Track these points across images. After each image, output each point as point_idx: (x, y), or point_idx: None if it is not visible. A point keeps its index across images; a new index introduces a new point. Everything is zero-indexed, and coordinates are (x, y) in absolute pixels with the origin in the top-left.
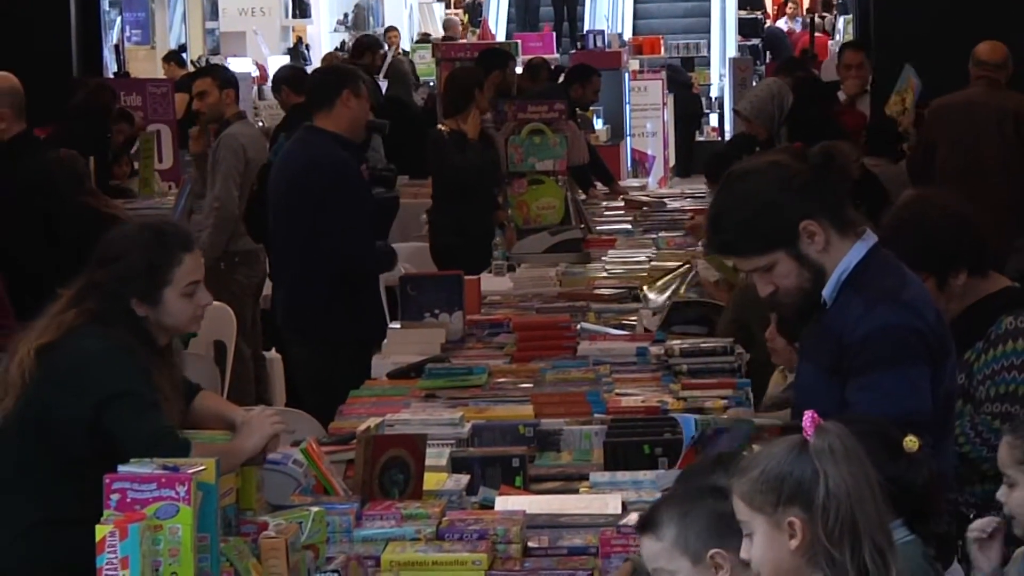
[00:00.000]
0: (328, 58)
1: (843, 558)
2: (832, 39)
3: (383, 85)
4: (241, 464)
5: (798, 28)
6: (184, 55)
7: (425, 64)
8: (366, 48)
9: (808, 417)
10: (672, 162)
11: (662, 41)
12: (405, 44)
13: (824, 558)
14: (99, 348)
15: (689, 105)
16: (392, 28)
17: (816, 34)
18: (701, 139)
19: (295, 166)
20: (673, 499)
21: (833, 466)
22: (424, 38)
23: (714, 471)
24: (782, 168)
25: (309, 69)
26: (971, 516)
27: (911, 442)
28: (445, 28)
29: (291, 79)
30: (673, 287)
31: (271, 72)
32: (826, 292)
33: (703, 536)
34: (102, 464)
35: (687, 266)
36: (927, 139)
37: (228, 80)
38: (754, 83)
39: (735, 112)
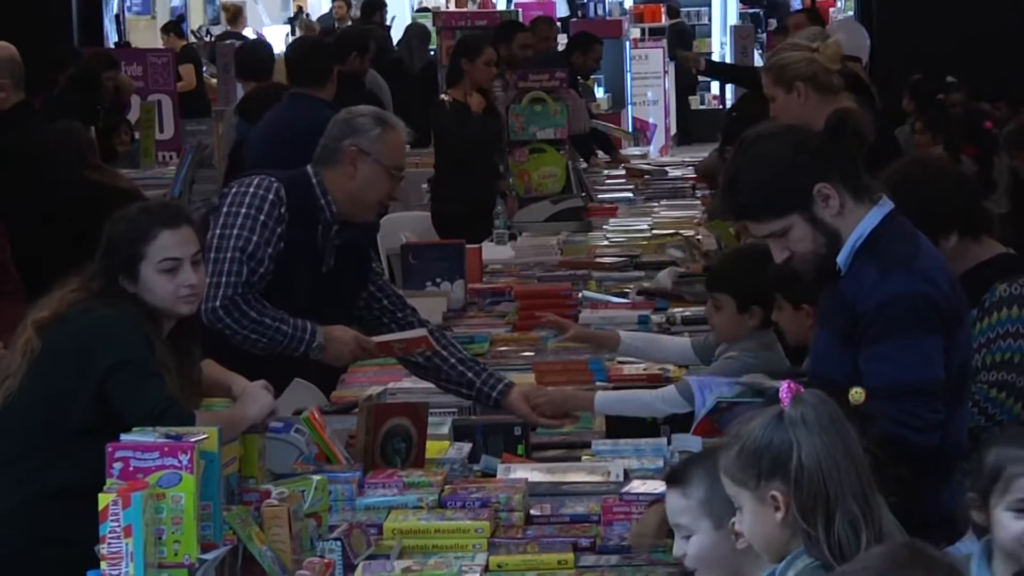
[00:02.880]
0: (309, 27)
1: (816, 532)
2: (835, 6)
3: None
4: (243, 433)
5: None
6: (184, 25)
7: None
8: (375, 8)
9: (785, 387)
10: (673, 130)
11: (663, 9)
12: (405, 14)
13: (801, 533)
14: (102, 319)
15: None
16: None
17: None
18: (702, 107)
19: (278, 123)
20: (707, 459)
21: (806, 436)
22: (422, 8)
23: None
24: (797, 132)
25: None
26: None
27: (856, 394)
28: None
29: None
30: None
31: (272, 41)
32: (840, 259)
33: (729, 504)
34: (109, 434)
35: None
36: None
37: None
38: (755, 51)
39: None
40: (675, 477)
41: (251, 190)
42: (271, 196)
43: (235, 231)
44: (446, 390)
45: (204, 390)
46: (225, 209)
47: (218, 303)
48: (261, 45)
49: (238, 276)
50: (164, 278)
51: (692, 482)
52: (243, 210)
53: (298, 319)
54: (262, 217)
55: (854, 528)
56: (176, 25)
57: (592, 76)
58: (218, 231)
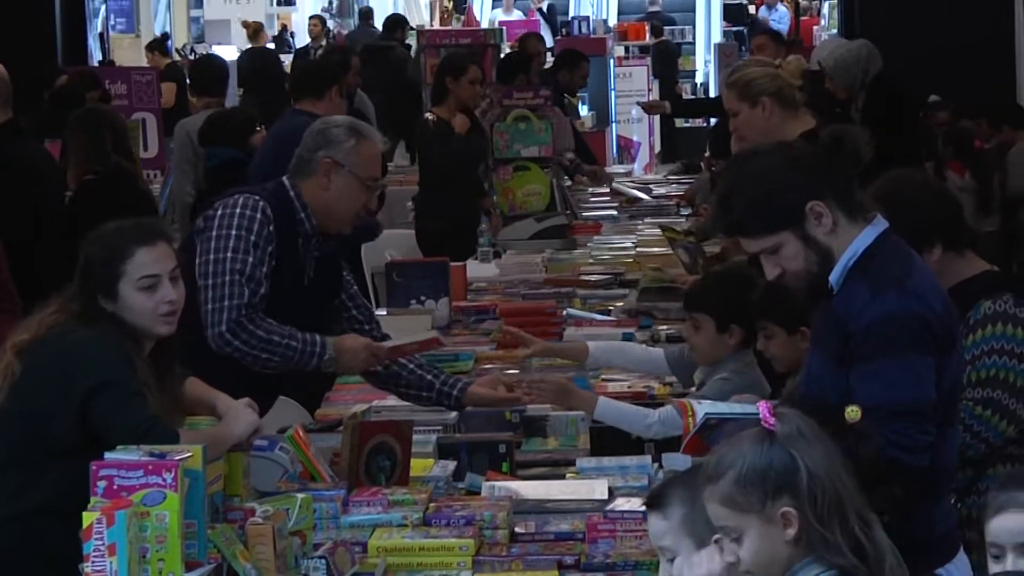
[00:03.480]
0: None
1: (835, 537)
2: (818, 24)
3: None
4: (227, 451)
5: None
6: (169, 43)
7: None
8: (396, 25)
9: (764, 407)
10: (657, 148)
11: (647, 27)
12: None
13: (818, 541)
14: (81, 341)
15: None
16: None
17: (802, 18)
18: (686, 124)
19: (283, 132)
20: (684, 482)
21: (807, 448)
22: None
23: None
24: (791, 149)
25: (292, 57)
26: (952, 502)
27: (852, 412)
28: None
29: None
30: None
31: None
32: (833, 277)
33: (710, 523)
34: (90, 454)
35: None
36: None
37: None
38: None
39: (817, 65)
40: (654, 501)
41: (238, 211)
42: (259, 216)
43: (229, 254)
44: (405, 397)
45: (188, 408)
46: (215, 232)
47: (224, 328)
48: (215, 61)
49: (240, 298)
50: (143, 296)
51: (672, 504)
52: (234, 232)
53: (306, 333)
54: (253, 238)
55: (867, 525)
56: (161, 43)
57: (577, 94)
58: (211, 256)
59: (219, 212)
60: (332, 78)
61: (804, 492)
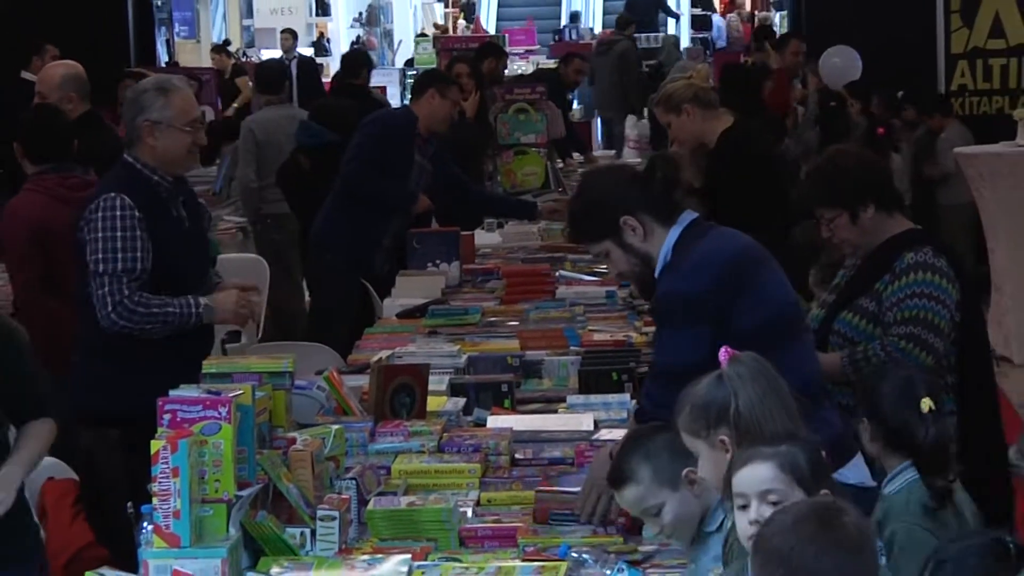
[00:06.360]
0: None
1: None
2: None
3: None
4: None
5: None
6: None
7: (427, 55)
8: (488, 54)
9: (723, 351)
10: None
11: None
12: (409, 38)
13: None
14: None
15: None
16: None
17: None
18: None
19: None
20: (631, 450)
21: (742, 388)
22: (422, 34)
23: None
24: (616, 172)
25: (330, 60)
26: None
27: (925, 403)
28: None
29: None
30: None
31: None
32: (657, 274)
33: (671, 463)
34: None
35: None
36: None
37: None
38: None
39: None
40: (618, 478)
41: (105, 214)
42: (121, 212)
43: (108, 255)
44: None
45: None
46: (99, 234)
47: (110, 310)
48: (277, 64)
49: (120, 291)
50: None
51: (635, 471)
52: (107, 234)
53: (180, 298)
54: (121, 233)
55: None
56: (223, 47)
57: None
58: (97, 256)
59: (93, 216)
60: (430, 83)
61: (733, 423)
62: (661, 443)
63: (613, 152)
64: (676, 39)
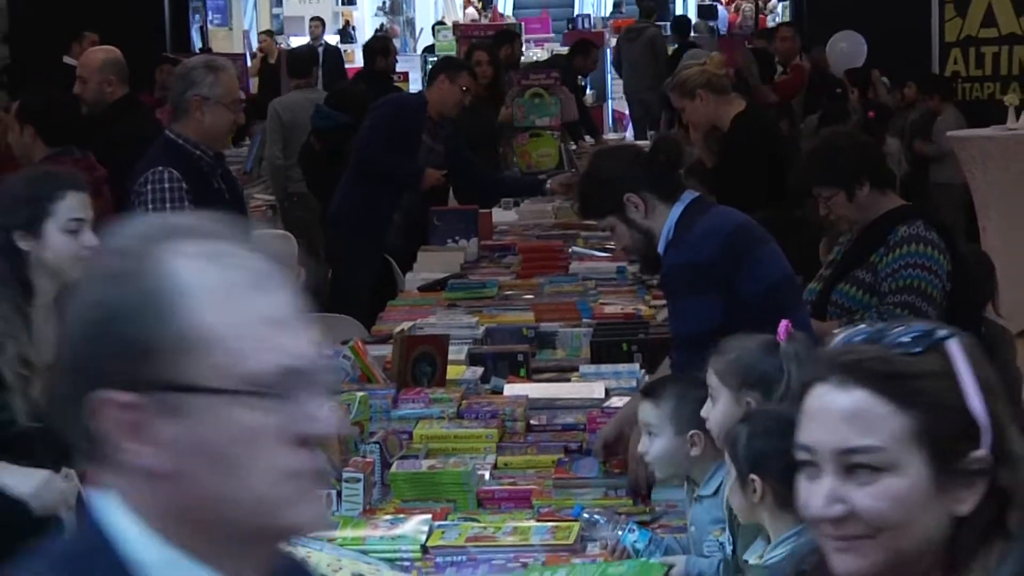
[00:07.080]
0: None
1: None
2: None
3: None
4: None
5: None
6: (250, 35)
7: (448, 42)
8: (504, 41)
9: (783, 325)
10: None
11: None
12: (429, 26)
13: None
14: None
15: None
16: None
17: (760, 15)
18: None
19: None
20: (678, 382)
21: (796, 369)
22: (440, 22)
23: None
24: (622, 152)
25: (355, 47)
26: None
27: None
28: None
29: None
30: None
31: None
32: (660, 248)
33: (689, 418)
34: None
35: None
36: None
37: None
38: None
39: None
40: (651, 391)
41: (154, 187)
42: (169, 184)
43: None
44: None
45: None
46: (143, 208)
47: None
48: (307, 51)
49: None
50: (68, 238)
51: (664, 396)
52: (156, 206)
53: None
54: (171, 205)
55: None
56: (271, 33)
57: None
58: None
59: (148, 188)
60: (441, 70)
61: (775, 398)
62: (695, 397)
63: (623, 136)
64: (710, 25)
